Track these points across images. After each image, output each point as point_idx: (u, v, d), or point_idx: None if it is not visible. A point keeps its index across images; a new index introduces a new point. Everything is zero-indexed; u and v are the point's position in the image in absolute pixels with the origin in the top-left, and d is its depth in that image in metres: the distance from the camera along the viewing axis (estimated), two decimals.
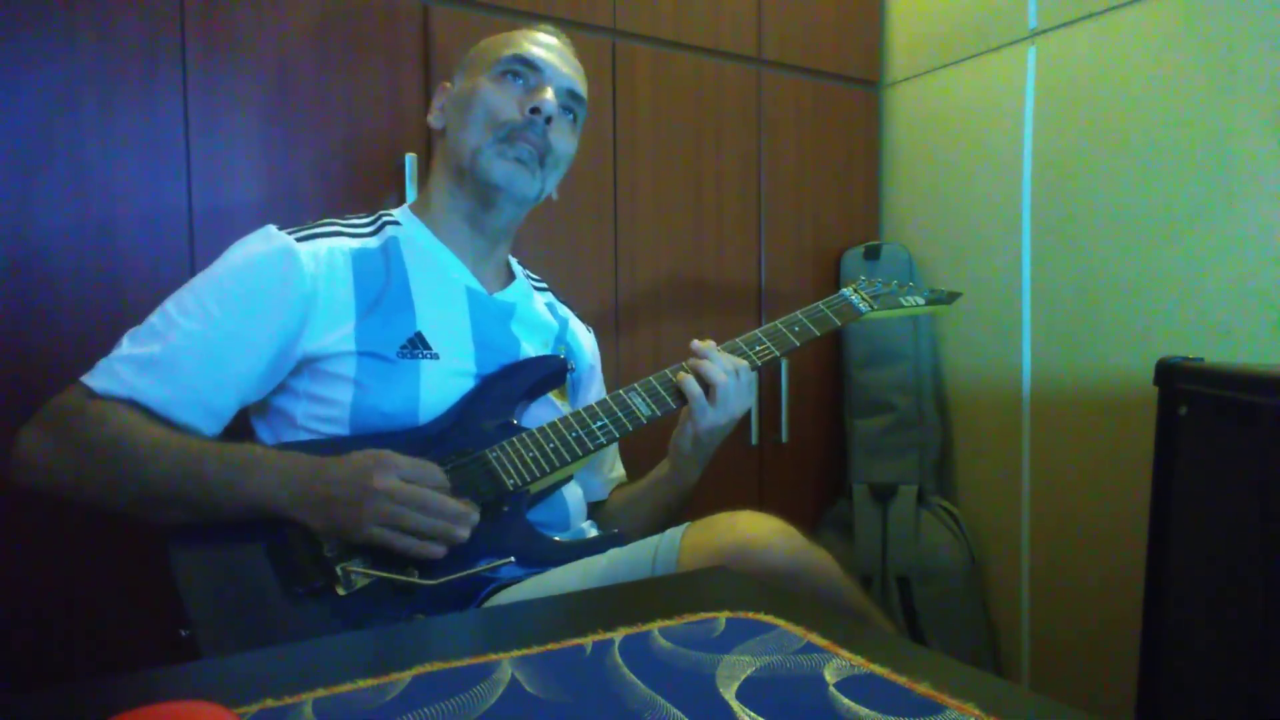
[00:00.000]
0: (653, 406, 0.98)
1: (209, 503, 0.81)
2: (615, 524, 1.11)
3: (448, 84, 1.05)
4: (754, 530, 0.78)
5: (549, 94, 0.97)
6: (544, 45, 1.01)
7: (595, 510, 1.16)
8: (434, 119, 1.05)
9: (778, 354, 1.06)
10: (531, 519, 0.93)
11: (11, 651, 1.08)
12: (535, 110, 0.96)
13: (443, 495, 0.82)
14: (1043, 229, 1.55)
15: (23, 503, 0.91)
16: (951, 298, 1.25)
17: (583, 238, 1.49)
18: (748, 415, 1.05)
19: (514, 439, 0.92)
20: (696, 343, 1.02)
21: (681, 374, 1.00)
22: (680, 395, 0.99)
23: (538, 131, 0.97)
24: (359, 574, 0.82)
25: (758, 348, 1.06)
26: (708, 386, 0.98)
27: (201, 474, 0.81)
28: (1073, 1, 1.47)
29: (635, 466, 1.22)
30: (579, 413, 0.96)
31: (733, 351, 1.04)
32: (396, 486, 0.79)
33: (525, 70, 0.99)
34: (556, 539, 0.93)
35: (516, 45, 1.00)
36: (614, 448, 1.17)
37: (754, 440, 1.65)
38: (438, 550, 0.82)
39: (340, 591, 0.82)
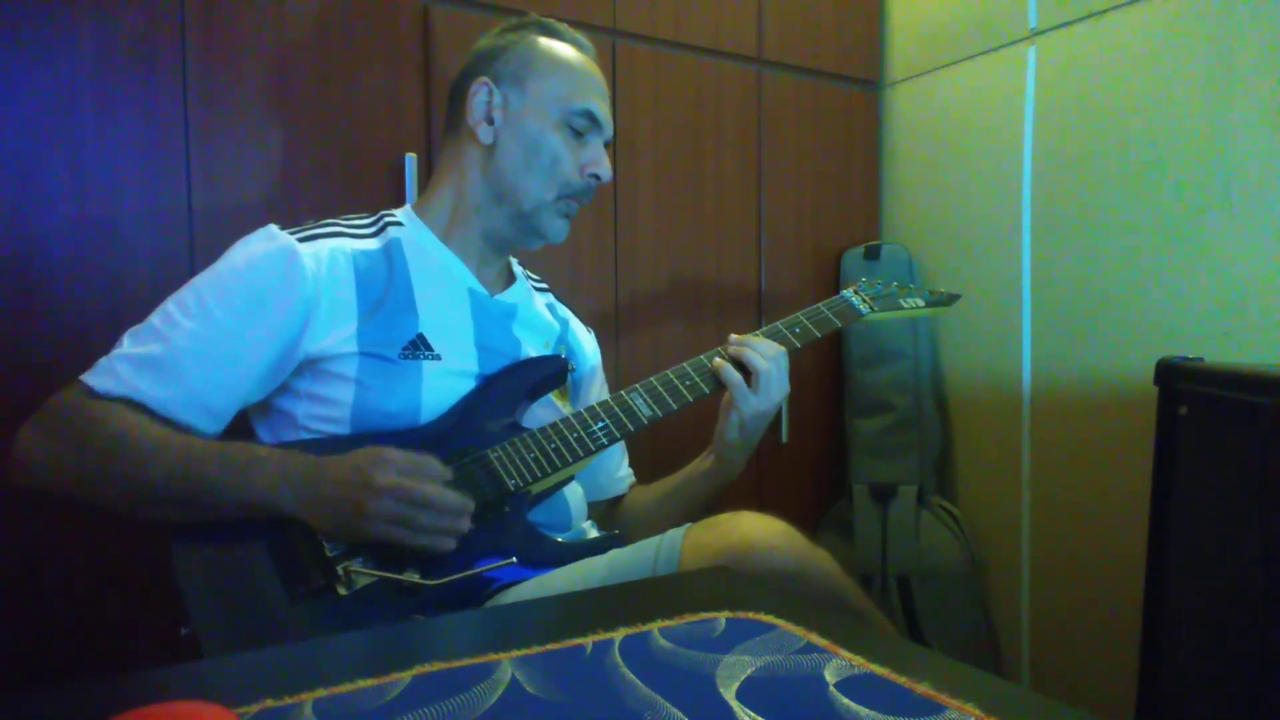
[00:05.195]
0: (654, 408, 0.98)
1: (210, 502, 0.81)
2: (639, 522, 1.11)
3: (489, 82, 0.99)
4: (757, 532, 0.78)
5: (607, 162, 1.02)
6: (603, 94, 1.03)
7: (609, 508, 1.16)
8: (478, 122, 0.99)
9: None
10: (533, 519, 0.93)
11: (11, 651, 1.08)
12: (595, 176, 1.01)
13: (442, 489, 0.82)
14: (1043, 229, 1.55)
15: (23, 503, 0.91)
16: (951, 299, 1.25)
17: (583, 238, 1.48)
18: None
19: (515, 439, 0.92)
20: (734, 336, 1.05)
21: (719, 360, 1.01)
22: (698, 388, 1.00)
23: (591, 192, 1.04)
24: (360, 574, 0.82)
25: None
26: (749, 373, 1.00)
27: (203, 474, 0.80)
28: (1073, 1, 1.47)
29: (640, 465, 1.22)
30: (580, 413, 0.96)
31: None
32: (395, 483, 0.79)
33: (590, 126, 1.01)
34: (558, 539, 0.93)
35: (586, 97, 1.00)
36: (621, 447, 1.17)
37: None
38: (448, 545, 0.82)
39: (341, 591, 0.82)
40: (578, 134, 1.01)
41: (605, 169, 1.02)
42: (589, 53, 1.05)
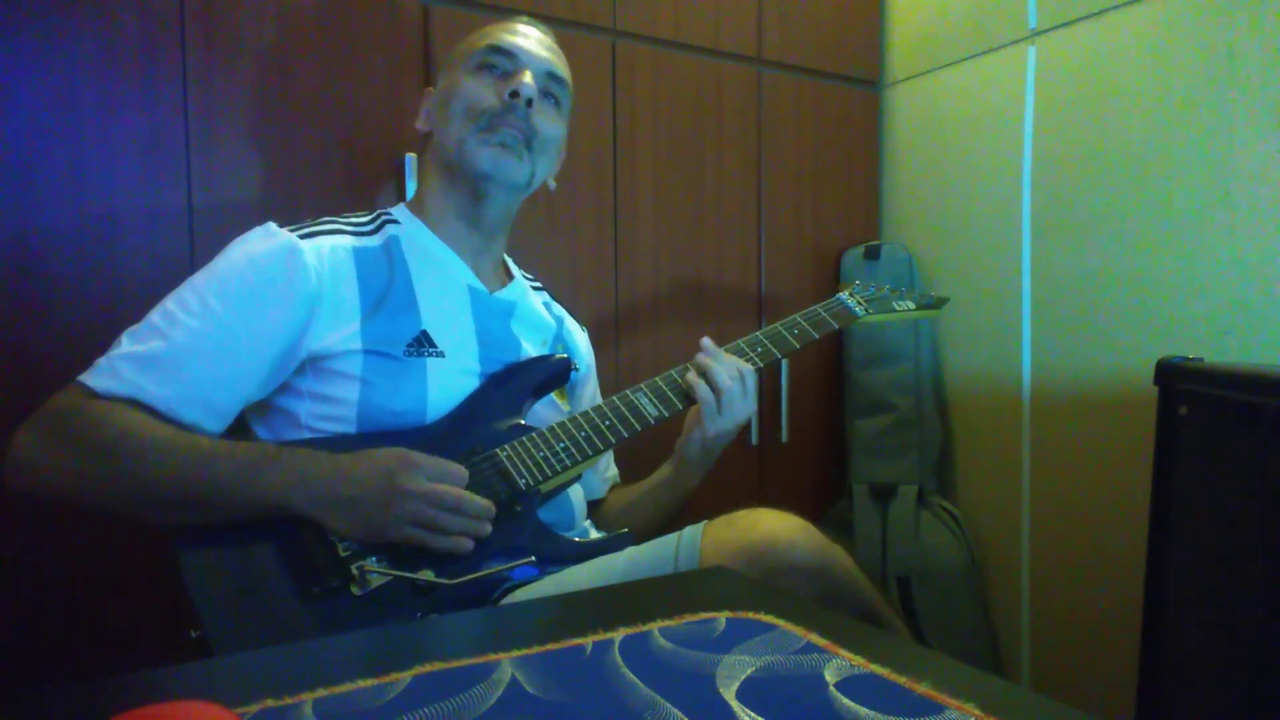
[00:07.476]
0: (660, 408, 0.99)
1: (220, 503, 0.80)
2: (615, 524, 1.11)
3: (431, 88, 1.06)
4: (777, 528, 0.79)
5: (526, 77, 0.96)
6: (520, 34, 1.02)
7: (592, 510, 1.16)
8: (421, 123, 1.05)
9: (778, 355, 1.08)
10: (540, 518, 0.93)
11: (12, 651, 1.08)
12: (514, 94, 0.96)
13: (469, 494, 0.83)
14: (1043, 229, 1.55)
15: (23, 503, 0.91)
16: (940, 303, 1.27)
17: (583, 238, 1.49)
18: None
19: (524, 438, 0.92)
20: (706, 340, 1.03)
21: (690, 375, 1.01)
22: (688, 397, 1.00)
23: (520, 115, 0.97)
24: (375, 573, 0.81)
25: (759, 349, 1.07)
26: (715, 392, 0.99)
27: (213, 473, 0.80)
28: (1073, 1, 1.48)
29: (634, 466, 1.22)
30: (587, 413, 0.97)
31: (734, 353, 1.05)
32: (425, 488, 0.80)
33: (502, 59, 0.99)
34: (574, 539, 0.93)
35: (492, 36, 1.00)
36: None
37: (754, 440, 1.65)
38: (467, 547, 0.83)
39: (356, 591, 0.81)
40: (492, 70, 0.98)
41: (524, 85, 0.96)
42: (528, 23, 1.03)
